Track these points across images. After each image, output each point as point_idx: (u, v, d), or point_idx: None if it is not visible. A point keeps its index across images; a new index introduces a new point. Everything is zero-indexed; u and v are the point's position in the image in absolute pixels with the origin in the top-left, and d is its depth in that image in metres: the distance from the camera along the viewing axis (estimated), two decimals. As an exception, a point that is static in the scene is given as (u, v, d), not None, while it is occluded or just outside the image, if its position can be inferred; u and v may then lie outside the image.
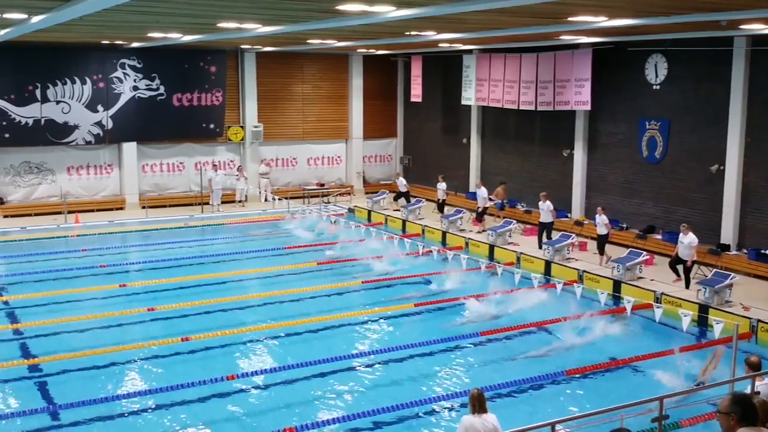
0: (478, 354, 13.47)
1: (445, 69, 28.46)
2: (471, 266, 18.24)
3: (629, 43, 20.78)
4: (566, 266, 18.54)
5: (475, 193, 23.86)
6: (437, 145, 29.99)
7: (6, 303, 16.01)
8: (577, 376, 12.27)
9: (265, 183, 28.54)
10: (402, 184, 26.42)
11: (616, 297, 16.38)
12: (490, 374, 12.31)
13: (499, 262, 18.73)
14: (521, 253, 19.91)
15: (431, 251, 19.67)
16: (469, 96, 26.39)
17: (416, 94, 29.44)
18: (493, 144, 27.18)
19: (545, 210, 20.57)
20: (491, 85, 25.30)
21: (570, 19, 14.30)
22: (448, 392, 11.63)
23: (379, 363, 12.89)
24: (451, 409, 11.05)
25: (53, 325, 14.29)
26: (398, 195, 26.53)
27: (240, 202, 27.95)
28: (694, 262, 16.88)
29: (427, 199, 26.39)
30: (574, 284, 16.37)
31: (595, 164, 23.11)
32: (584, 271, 17.93)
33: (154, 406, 11.07)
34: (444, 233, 22.58)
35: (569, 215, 23.21)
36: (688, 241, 16.72)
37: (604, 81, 22.12)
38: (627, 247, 19.37)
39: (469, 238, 21.74)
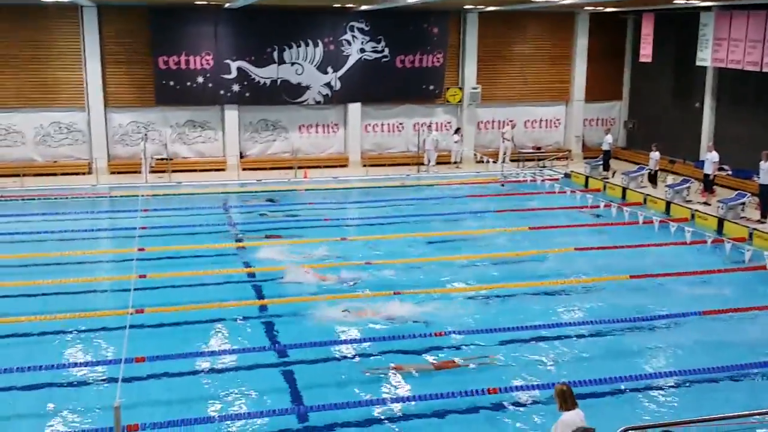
0: (689, 334, 12.73)
1: (678, 27, 26.55)
2: (696, 239, 17.15)
3: None
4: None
5: (703, 162, 22.28)
6: (666, 108, 28.19)
7: (242, 249, 17.65)
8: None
9: (506, 146, 28.19)
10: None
11: None
12: (697, 357, 11.66)
13: (728, 238, 17.44)
14: (754, 229, 18.34)
15: (653, 221, 18.73)
16: (705, 56, 24.46)
17: (646, 54, 27.75)
18: (729, 109, 25.04)
19: (766, 170, 18.82)
20: (731, 45, 23.23)
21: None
22: (660, 371, 11.24)
23: (588, 335, 12.68)
24: (661, 388, 10.66)
25: (281, 271, 15.61)
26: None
27: (455, 163, 28.31)
28: None
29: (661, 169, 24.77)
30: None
31: None
32: (829, 253, 16.17)
33: (368, 353, 11.77)
34: (668, 203, 21.37)
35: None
36: None
37: None
38: None
39: (696, 210, 20.40)
